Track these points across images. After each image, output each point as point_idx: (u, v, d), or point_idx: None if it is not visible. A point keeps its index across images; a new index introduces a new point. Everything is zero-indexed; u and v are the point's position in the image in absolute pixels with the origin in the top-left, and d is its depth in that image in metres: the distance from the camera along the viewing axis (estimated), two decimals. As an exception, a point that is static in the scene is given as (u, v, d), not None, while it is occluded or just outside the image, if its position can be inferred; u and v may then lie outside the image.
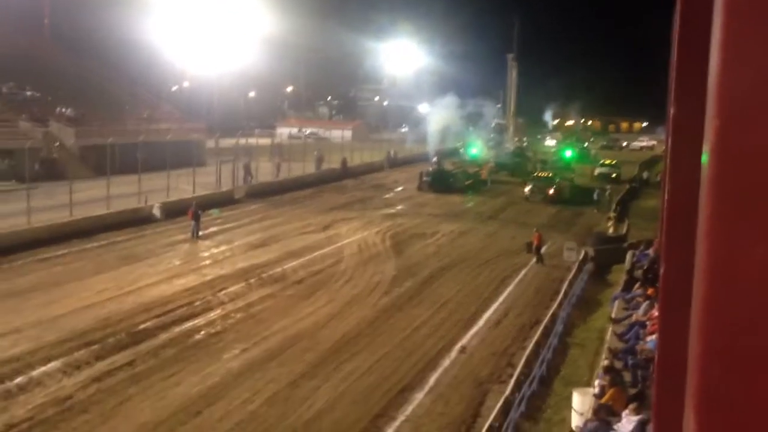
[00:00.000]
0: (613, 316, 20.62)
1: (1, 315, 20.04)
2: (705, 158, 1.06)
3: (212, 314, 21.30)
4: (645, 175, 61.44)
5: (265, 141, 61.06)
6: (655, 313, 16.79)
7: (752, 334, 1.08)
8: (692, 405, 1.12)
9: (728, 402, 1.08)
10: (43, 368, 16.54)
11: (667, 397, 4.32)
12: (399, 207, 44.09)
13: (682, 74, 4.21)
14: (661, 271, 4.72)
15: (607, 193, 47.14)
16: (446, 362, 18.47)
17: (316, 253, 29.55)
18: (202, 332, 19.72)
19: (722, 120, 1.03)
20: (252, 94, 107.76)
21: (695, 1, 3.68)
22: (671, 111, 4.60)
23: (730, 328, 1.07)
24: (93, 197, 34.07)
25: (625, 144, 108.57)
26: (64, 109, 52.07)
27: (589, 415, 13.41)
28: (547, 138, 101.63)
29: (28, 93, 53.61)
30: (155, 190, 36.92)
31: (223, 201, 40.46)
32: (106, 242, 29.92)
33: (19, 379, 15.86)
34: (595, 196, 46.82)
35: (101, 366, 16.92)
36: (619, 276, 26.89)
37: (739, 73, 1.02)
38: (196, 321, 20.59)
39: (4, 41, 54.67)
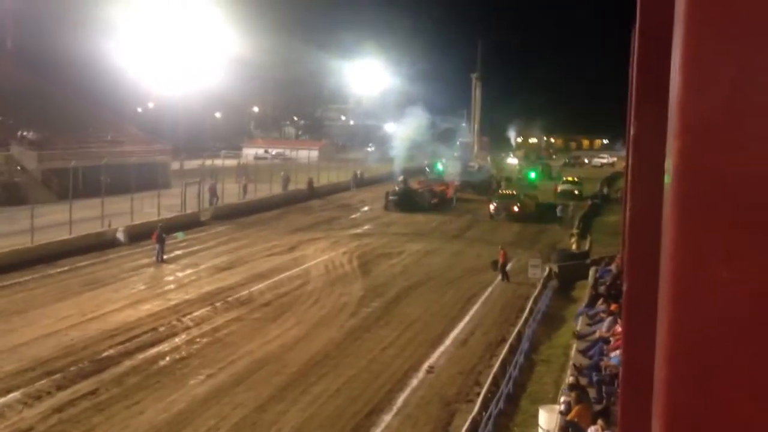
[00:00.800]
0: (577, 332, 20.78)
1: (-40, 343, 19.58)
2: (667, 180, 1.06)
3: (177, 339, 21.02)
4: (606, 191, 62.23)
5: (231, 162, 60.76)
6: (619, 328, 16.94)
7: (717, 355, 1.08)
8: (659, 426, 1.11)
9: (695, 422, 1.07)
10: (2, 399, 16.18)
11: (633, 413, 4.33)
12: (365, 227, 44.10)
13: (641, 94, 4.26)
14: (625, 287, 4.75)
15: (570, 209, 47.65)
16: (414, 382, 18.43)
17: (282, 275, 29.38)
18: (167, 358, 19.44)
19: (684, 141, 1.03)
20: (218, 114, 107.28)
21: (654, 22, 3.74)
22: (631, 130, 4.66)
23: (695, 350, 1.07)
24: (56, 221, 33.51)
25: (586, 161, 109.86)
26: (26, 132, 51.30)
27: (557, 432, 13.45)
28: (509, 156, 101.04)
29: (-12, 116, 52.80)
30: (119, 214, 36.47)
31: (188, 223, 40.08)
32: (69, 268, 29.43)
33: (-22, 410, 15.48)
34: (558, 212, 47.30)
35: (63, 395, 16.58)
36: (582, 292, 27.13)
37: (700, 95, 1.02)
38: (160, 347, 20.30)
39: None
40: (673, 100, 1.10)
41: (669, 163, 1.07)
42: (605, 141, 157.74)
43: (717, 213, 1.03)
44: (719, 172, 1.02)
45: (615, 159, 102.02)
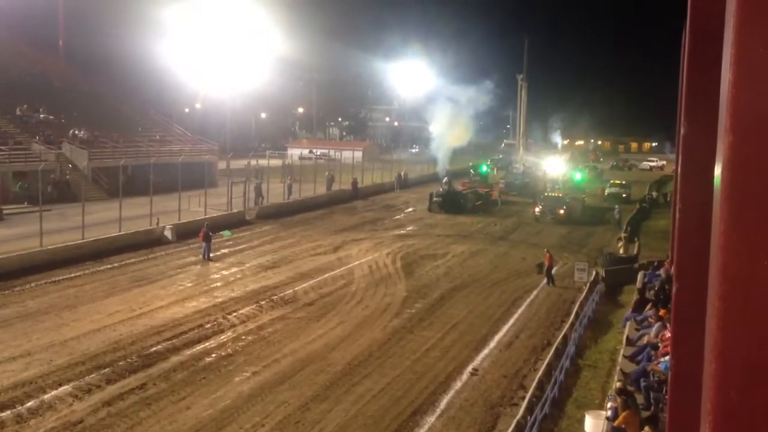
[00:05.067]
0: (624, 337, 20.50)
1: (13, 338, 20.10)
2: (718, 173, 1.06)
3: (223, 337, 21.28)
4: (654, 194, 61.26)
5: (276, 162, 61.32)
6: (667, 334, 16.67)
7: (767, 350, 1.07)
8: (708, 421, 1.11)
9: (745, 416, 1.07)
10: (54, 392, 16.54)
11: (682, 417, 4.28)
12: (409, 228, 44.08)
13: (692, 93, 4.21)
14: (674, 290, 4.69)
15: (617, 212, 47.09)
16: (458, 384, 18.37)
17: (327, 275, 29.55)
18: (213, 355, 19.70)
19: (736, 135, 1.03)
20: (263, 115, 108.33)
21: (705, 21, 3.70)
22: (682, 130, 4.61)
23: (745, 342, 1.06)
24: (105, 219, 34.29)
25: (634, 164, 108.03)
26: (77, 131, 52.49)
27: (603, 437, 13.29)
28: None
29: (42, 115, 54.12)
30: (167, 212, 37.11)
31: (234, 222, 40.56)
32: (118, 264, 30.02)
33: (30, 403, 15.86)
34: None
35: (112, 389, 16.92)
36: (630, 297, 26.75)
37: (752, 88, 1.02)
38: (207, 344, 20.58)
39: (18, 63, 55.25)
40: (724, 95, 1.09)
41: (720, 158, 1.07)
42: (654, 144, 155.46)
43: (768, 206, 1.02)
44: (771, 165, 1.02)
45: (664, 162, 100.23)
